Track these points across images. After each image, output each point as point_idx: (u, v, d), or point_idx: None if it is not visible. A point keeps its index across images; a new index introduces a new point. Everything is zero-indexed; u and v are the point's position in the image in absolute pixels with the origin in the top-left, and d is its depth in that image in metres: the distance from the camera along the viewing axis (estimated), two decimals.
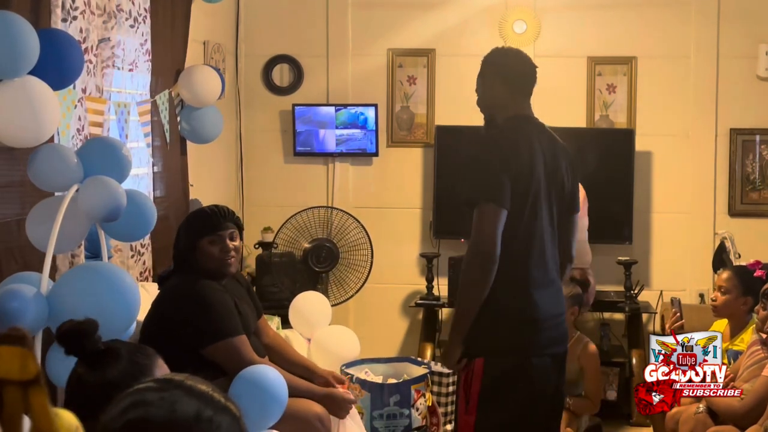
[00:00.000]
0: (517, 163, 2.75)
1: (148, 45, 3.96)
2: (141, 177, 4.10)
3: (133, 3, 3.77)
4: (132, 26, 3.79)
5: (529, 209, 2.77)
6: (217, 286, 3.25)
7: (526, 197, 2.76)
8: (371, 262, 5.03)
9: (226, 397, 1.31)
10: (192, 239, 3.26)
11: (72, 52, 2.82)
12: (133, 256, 3.87)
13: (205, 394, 1.28)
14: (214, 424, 1.24)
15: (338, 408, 3.39)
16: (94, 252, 3.27)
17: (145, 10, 3.90)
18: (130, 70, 3.87)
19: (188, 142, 4.48)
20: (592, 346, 4.33)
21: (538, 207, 2.79)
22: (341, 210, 5.16)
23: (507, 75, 2.90)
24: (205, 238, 3.24)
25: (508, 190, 2.71)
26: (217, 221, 3.27)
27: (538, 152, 2.82)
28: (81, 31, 3.28)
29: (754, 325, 3.66)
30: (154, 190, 4.16)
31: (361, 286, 5.08)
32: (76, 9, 3.24)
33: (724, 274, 3.90)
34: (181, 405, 1.24)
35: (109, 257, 3.57)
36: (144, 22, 3.90)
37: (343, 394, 3.43)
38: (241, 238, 3.39)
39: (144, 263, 3.96)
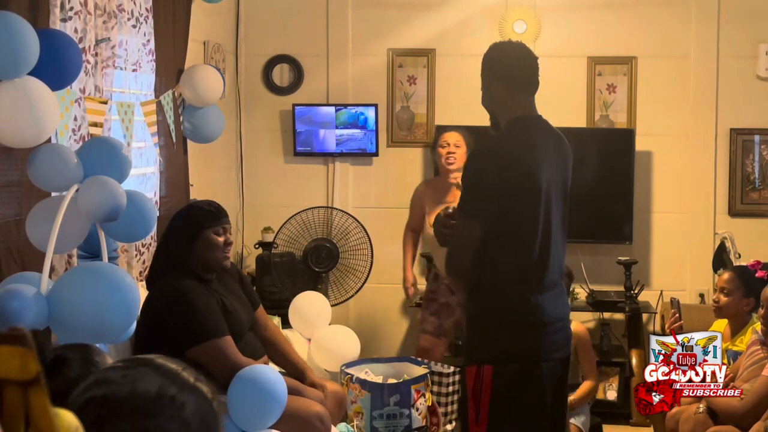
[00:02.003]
0: (517, 173, 2.72)
1: (151, 45, 3.96)
2: (148, 177, 4.10)
3: (134, 3, 3.77)
4: (134, 26, 3.79)
5: (536, 216, 2.74)
6: (202, 288, 3.24)
7: (531, 204, 2.73)
8: (371, 262, 5.03)
9: (197, 377, 1.28)
10: (195, 229, 3.26)
11: (71, 53, 2.82)
12: (136, 256, 3.88)
13: (172, 372, 1.26)
14: (177, 402, 1.22)
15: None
16: (93, 252, 3.27)
17: (147, 9, 3.90)
18: (134, 70, 3.87)
19: (188, 142, 4.48)
20: (578, 325, 4.38)
21: (545, 211, 2.76)
22: (341, 210, 5.16)
23: (504, 74, 2.81)
24: (209, 229, 3.27)
25: (493, 208, 2.70)
26: (219, 214, 3.32)
27: (543, 157, 2.77)
28: (76, 31, 3.28)
29: (753, 326, 3.65)
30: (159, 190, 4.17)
31: (361, 286, 5.08)
32: (71, 9, 3.24)
33: (726, 275, 3.88)
34: (143, 382, 1.23)
35: (115, 257, 3.58)
36: (146, 22, 3.90)
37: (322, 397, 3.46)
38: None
39: (144, 262, 3.96)
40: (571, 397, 4.18)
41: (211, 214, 3.30)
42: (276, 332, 3.68)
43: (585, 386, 4.30)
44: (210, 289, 3.28)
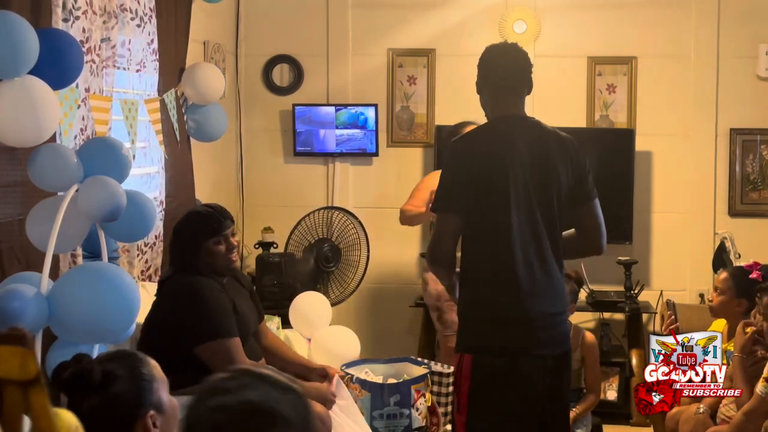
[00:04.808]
0: (486, 166, 2.77)
1: (155, 44, 3.96)
2: (152, 176, 4.09)
3: (138, 2, 3.77)
4: (138, 26, 3.79)
5: (507, 210, 2.76)
6: (216, 285, 3.24)
7: (502, 199, 2.76)
8: (368, 257, 5.01)
9: (289, 378, 1.40)
10: (197, 241, 3.24)
11: (72, 52, 2.82)
12: (138, 255, 3.87)
13: (269, 378, 1.37)
14: (282, 404, 1.33)
15: (324, 401, 3.42)
16: (93, 252, 3.27)
17: (150, 9, 3.90)
18: (138, 70, 3.87)
19: (191, 142, 4.48)
20: (591, 336, 4.37)
21: (519, 206, 2.77)
22: (343, 209, 5.15)
23: (489, 79, 2.90)
24: (210, 240, 3.23)
25: (464, 199, 2.76)
26: (219, 222, 3.26)
27: (518, 152, 2.79)
28: (84, 30, 3.28)
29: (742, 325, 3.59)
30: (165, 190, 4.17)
31: (360, 282, 5.05)
32: (78, 9, 3.25)
33: (722, 275, 3.88)
34: (251, 390, 1.34)
35: (116, 257, 3.58)
36: (150, 22, 3.89)
37: (327, 390, 3.46)
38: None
39: (146, 262, 3.96)
40: (575, 410, 4.20)
41: (209, 224, 3.25)
42: (276, 340, 3.71)
43: (589, 401, 4.30)
44: (223, 287, 3.29)
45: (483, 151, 2.80)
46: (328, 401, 3.43)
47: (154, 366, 1.97)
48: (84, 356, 1.87)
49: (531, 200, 2.80)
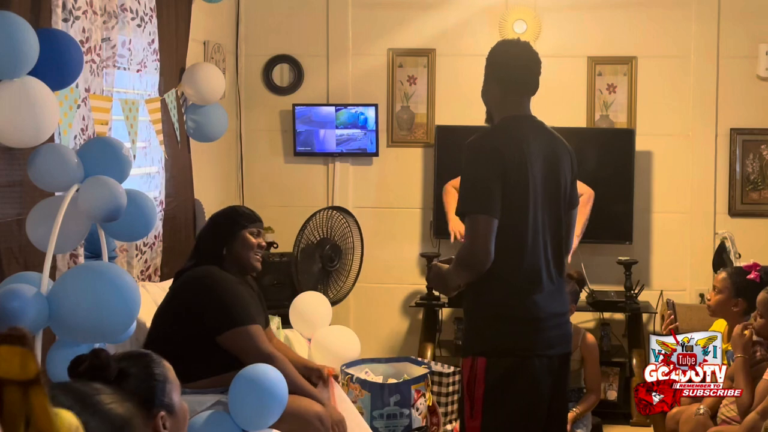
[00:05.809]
0: (508, 166, 2.73)
1: (156, 44, 3.96)
2: (152, 176, 4.09)
3: (138, 2, 3.77)
4: (139, 25, 3.79)
5: (525, 210, 2.75)
6: (233, 278, 3.34)
7: (521, 199, 2.74)
8: (362, 254, 5.00)
9: (116, 400, 1.31)
10: (236, 228, 3.41)
11: (71, 52, 2.82)
12: (137, 255, 3.88)
13: (81, 394, 1.28)
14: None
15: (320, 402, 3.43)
16: (93, 252, 3.28)
17: (151, 9, 3.90)
18: (138, 70, 3.87)
19: (190, 142, 4.48)
20: (591, 336, 4.38)
21: (535, 207, 2.77)
22: (337, 208, 5.15)
23: (500, 75, 2.86)
24: (248, 229, 3.42)
25: (497, 198, 2.69)
26: (259, 218, 3.50)
27: (533, 153, 2.78)
28: (84, 30, 3.28)
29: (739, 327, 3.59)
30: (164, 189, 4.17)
31: (355, 282, 5.04)
32: (78, 9, 3.25)
33: (720, 275, 3.88)
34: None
35: (114, 257, 3.59)
36: (150, 22, 3.90)
37: (318, 395, 3.47)
38: None
39: (146, 261, 3.96)
40: (576, 410, 4.20)
41: (251, 217, 3.46)
42: (279, 344, 3.75)
43: (589, 401, 4.31)
44: (241, 282, 3.39)
45: (504, 151, 2.75)
46: (321, 402, 3.44)
47: (168, 368, 1.98)
48: (102, 351, 1.88)
49: (544, 201, 2.80)
